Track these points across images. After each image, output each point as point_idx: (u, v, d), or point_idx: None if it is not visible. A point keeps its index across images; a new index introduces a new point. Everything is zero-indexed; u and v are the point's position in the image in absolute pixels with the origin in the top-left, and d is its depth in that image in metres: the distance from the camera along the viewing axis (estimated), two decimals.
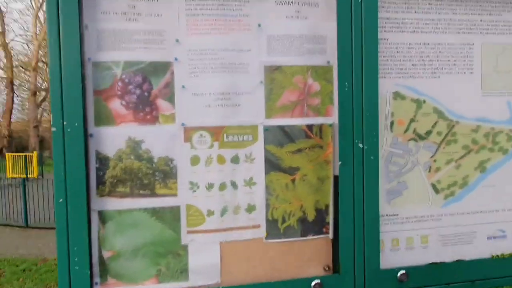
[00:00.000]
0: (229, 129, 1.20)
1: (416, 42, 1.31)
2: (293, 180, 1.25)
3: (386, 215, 1.32)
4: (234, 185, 1.21)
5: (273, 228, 1.24)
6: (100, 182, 1.13)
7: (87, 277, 1.10)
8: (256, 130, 1.22)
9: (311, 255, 1.27)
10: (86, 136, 1.09)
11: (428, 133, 1.34)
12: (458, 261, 1.36)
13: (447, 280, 1.34)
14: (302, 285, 1.23)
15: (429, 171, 1.35)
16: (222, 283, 1.21)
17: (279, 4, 1.20)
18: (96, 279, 1.14)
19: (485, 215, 1.39)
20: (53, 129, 1.04)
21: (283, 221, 1.25)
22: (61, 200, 1.06)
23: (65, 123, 1.05)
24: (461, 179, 1.38)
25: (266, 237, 1.24)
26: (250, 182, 1.22)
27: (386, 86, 1.29)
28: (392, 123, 1.31)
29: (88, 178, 1.11)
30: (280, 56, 1.21)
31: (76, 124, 1.05)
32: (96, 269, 1.14)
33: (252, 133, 1.21)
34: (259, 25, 1.19)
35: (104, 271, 1.15)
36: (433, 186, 1.36)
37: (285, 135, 1.23)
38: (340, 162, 1.23)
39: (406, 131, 1.33)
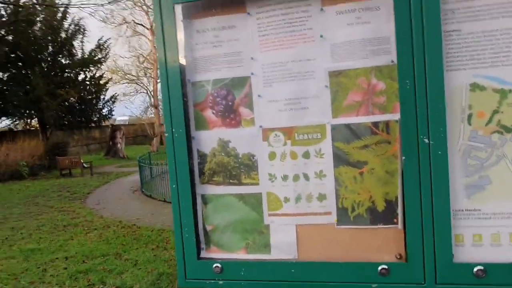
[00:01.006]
0: (299, 129, 1.39)
1: (497, 28, 1.24)
2: (361, 173, 1.36)
3: (466, 210, 1.31)
4: (306, 176, 1.40)
5: (344, 215, 1.39)
6: (201, 172, 1.48)
7: (194, 242, 1.47)
8: (324, 129, 1.37)
9: (381, 243, 1.37)
10: (190, 138, 1.46)
11: None
12: None
13: None
14: (370, 269, 1.35)
15: None
16: (298, 259, 1.43)
17: (339, 14, 1.32)
18: (203, 245, 1.51)
19: None
20: (166, 134, 1.44)
21: (353, 210, 1.38)
22: (174, 186, 1.45)
23: (173, 129, 1.42)
24: None
25: (337, 223, 1.40)
26: (320, 175, 1.39)
27: (461, 79, 1.26)
28: (470, 116, 1.28)
29: (193, 169, 1.47)
30: (343, 61, 1.33)
31: (181, 130, 1.42)
32: (202, 237, 1.51)
33: (321, 132, 1.38)
34: (321, 36, 1.34)
35: (208, 240, 1.51)
36: None
37: (352, 132, 1.35)
38: (404, 157, 1.28)
39: (488, 123, 1.27)
